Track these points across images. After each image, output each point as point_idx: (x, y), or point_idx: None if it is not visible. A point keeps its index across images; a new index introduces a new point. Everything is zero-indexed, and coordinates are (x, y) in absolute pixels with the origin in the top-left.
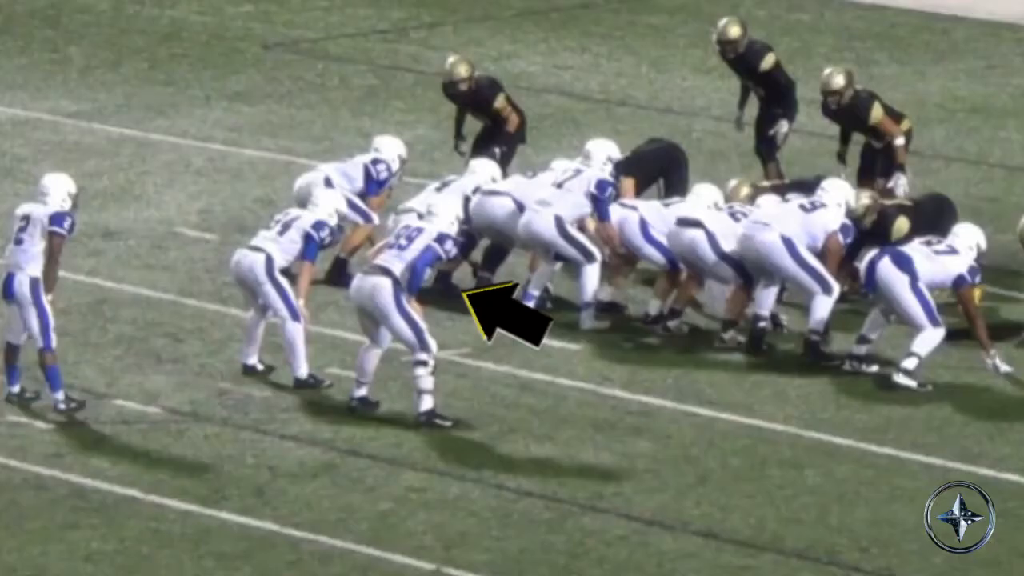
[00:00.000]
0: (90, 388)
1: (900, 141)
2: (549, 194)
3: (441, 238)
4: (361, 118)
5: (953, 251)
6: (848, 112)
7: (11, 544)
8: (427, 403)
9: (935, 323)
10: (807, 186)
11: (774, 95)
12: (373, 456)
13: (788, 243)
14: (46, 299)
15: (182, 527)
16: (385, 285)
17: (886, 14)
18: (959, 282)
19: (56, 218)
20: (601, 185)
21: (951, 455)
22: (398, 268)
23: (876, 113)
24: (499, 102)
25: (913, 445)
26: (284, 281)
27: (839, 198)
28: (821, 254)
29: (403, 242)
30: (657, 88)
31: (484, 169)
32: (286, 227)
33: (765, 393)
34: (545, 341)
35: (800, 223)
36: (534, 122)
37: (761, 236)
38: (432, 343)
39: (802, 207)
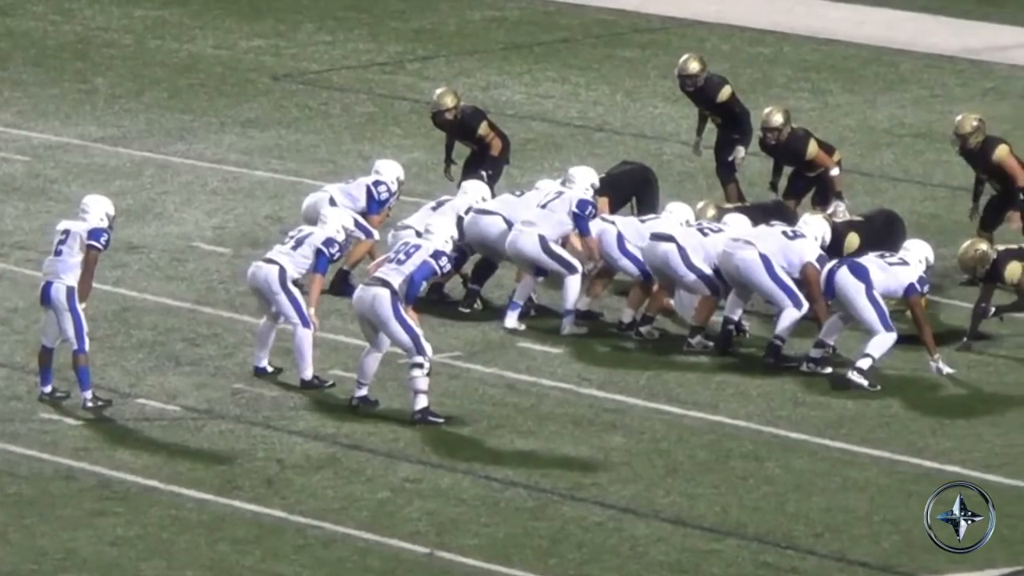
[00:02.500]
0: (115, 388)
1: (835, 172)
2: (533, 214)
3: (437, 255)
4: (362, 142)
5: (904, 263)
6: (785, 148)
7: (43, 529)
8: (422, 402)
9: (888, 328)
10: (766, 208)
11: (730, 123)
12: (372, 450)
13: (766, 261)
14: (80, 307)
15: (199, 514)
16: (384, 295)
17: (839, 48)
18: (909, 291)
19: (94, 233)
20: (582, 204)
21: (898, 449)
22: (396, 280)
23: (812, 149)
24: (482, 129)
25: (863, 439)
26: (296, 291)
27: (817, 232)
28: (798, 281)
29: (402, 257)
30: (631, 115)
31: (475, 189)
32: (299, 243)
33: (729, 392)
34: (529, 345)
35: (780, 247)
36: (519, 146)
37: (741, 253)
38: (427, 347)
39: (785, 234)
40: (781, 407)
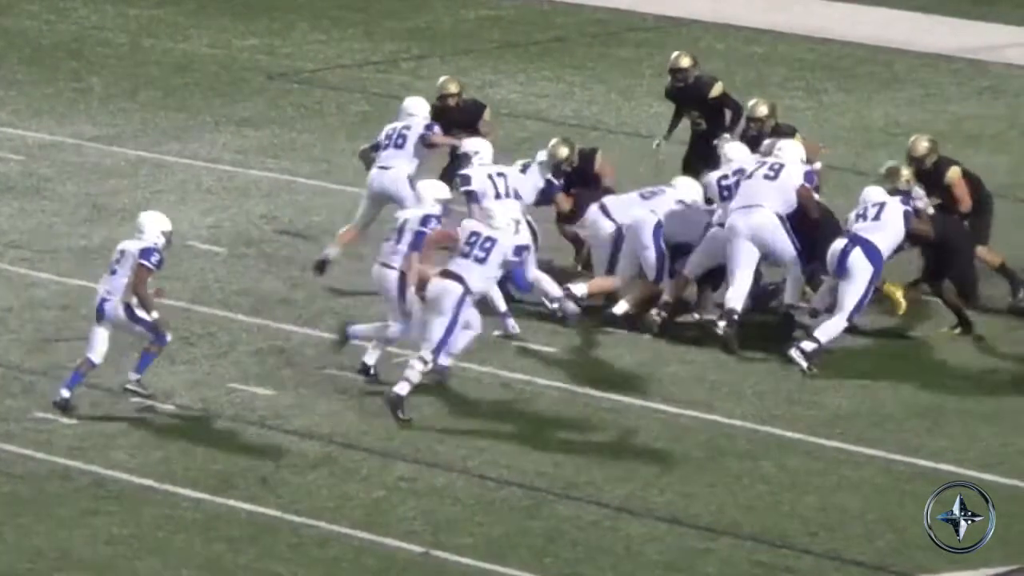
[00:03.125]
0: (110, 387)
1: (818, 165)
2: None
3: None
4: (356, 142)
5: (883, 204)
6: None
7: (38, 529)
8: (403, 389)
9: (850, 318)
10: None
11: (719, 123)
12: (367, 449)
13: (781, 219)
14: (148, 317)
15: (194, 513)
16: (456, 292)
17: (834, 47)
18: (907, 216)
19: (145, 252)
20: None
21: (892, 448)
22: (473, 277)
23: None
24: (487, 115)
25: (858, 439)
26: (411, 295)
27: (795, 155)
28: (794, 213)
29: (479, 254)
30: (625, 114)
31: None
32: (401, 232)
33: (724, 392)
34: (524, 344)
35: (773, 194)
36: (514, 144)
37: (755, 216)
38: (448, 359)
39: (767, 176)
40: (776, 406)
